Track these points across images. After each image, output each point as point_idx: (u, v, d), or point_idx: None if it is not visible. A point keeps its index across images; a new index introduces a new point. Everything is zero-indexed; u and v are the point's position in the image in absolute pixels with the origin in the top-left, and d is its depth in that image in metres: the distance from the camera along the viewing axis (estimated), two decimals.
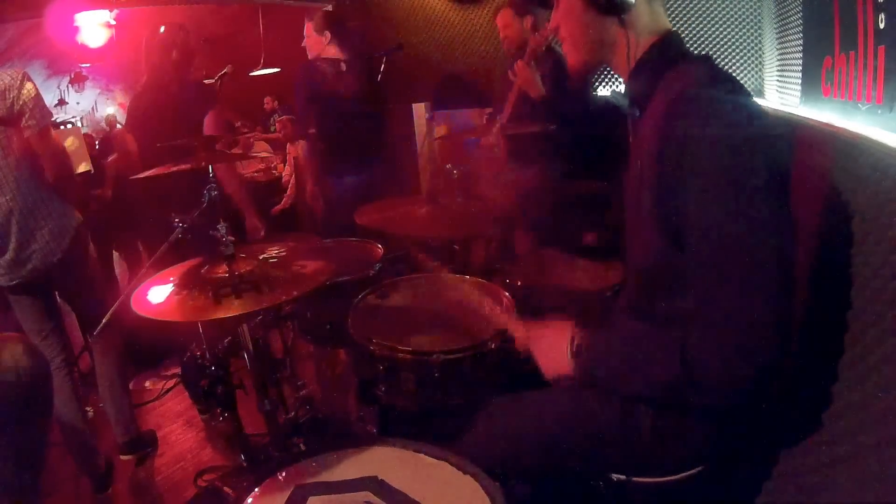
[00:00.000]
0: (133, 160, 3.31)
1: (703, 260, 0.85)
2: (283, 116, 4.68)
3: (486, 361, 1.38)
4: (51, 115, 1.91)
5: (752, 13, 2.27)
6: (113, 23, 4.47)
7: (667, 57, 0.99)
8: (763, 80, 2.25)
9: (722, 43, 2.35)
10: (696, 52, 1.11)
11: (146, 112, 2.43)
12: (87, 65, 5.96)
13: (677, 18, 2.39)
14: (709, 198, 0.83)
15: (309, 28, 2.79)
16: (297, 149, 4.08)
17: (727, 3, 2.31)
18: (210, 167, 1.55)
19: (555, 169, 2.39)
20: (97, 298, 2.07)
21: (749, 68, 2.31)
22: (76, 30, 4.35)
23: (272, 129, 5.89)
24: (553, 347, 1.07)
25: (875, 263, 0.89)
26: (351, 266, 1.90)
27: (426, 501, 0.91)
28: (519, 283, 1.74)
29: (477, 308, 1.39)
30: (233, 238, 1.41)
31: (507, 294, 1.60)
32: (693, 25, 2.39)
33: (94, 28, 4.41)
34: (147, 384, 2.88)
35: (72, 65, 5.84)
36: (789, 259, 0.83)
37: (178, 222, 1.64)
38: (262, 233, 2.54)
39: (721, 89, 0.88)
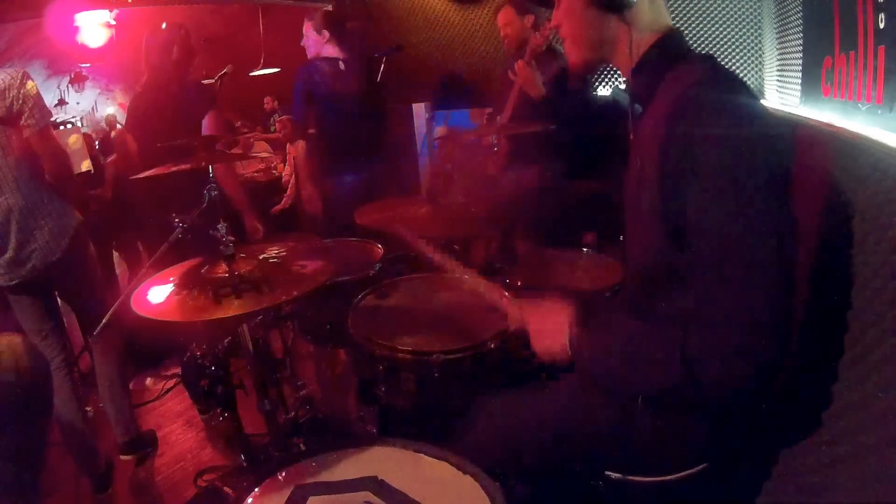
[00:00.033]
0: (133, 160, 3.31)
1: (704, 259, 0.85)
2: (283, 116, 4.67)
3: (486, 361, 1.38)
4: (50, 114, 1.91)
5: (752, 13, 2.27)
6: (113, 23, 4.47)
7: (670, 54, 0.99)
8: (763, 80, 2.25)
9: (722, 43, 2.35)
10: (696, 51, 1.11)
11: (146, 112, 2.43)
12: (87, 65, 5.96)
13: (678, 18, 2.39)
14: (710, 197, 0.83)
15: (308, 27, 2.79)
16: (297, 149, 4.07)
17: (727, 3, 2.32)
18: (210, 167, 1.55)
19: (555, 169, 2.39)
20: (97, 298, 2.07)
21: (749, 68, 2.31)
22: (76, 30, 4.35)
23: (272, 129, 5.88)
24: (549, 330, 1.06)
25: (875, 263, 0.89)
26: (351, 266, 1.90)
27: (426, 501, 0.91)
28: (519, 284, 1.74)
29: (477, 308, 1.39)
30: (233, 238, 1.41)
31: (506, 294, 1.60)
32: (693, 25, 2.39)
33: (94, 28, 4.41)
34: (147, 384, 2.88)
35: (72, 65, 5.84)
36: (790, 259, 0.83)
37: (178, 222, 1.64)
38: (261, 234, 2.54)
39: (724, 89, 0.88)
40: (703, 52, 1.26)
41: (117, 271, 3.79)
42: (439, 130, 3.40)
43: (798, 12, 1.57)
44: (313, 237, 2.80)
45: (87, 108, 6.60)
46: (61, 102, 6.08)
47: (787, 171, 0.86)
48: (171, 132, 2.05)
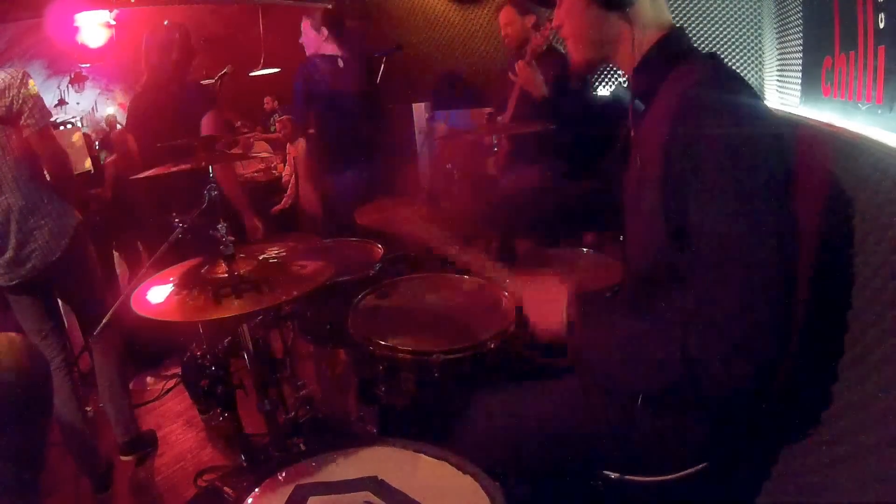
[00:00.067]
0: (133, 160, 3.31)
1: (705, 259, 0.84)
2: (283, 116, 4.68)
3: (486, 361, 1.38)
4: (50, 114, 1.91)
5: (752, 13, 2.27)
6: (113, 23, 4.46)
7: (672, 53, 0.99)
8: (763, 80, 2.25)
9: (722, 43, 2.35)
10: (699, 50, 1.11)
11: (146, 112, 2.43)
12: (87, 65, 5.95)
13: (678, 18, 2.40)
14: (711, 197, 0.83)
15: (306, 25, 2.79)
16: (297, 149, 4.08)
17: (727, 2, 2.32)
18: (210, 167, 1.55)
19: (555, 169, 2.39)
20: (97, 298, 2.07)
21: (749, 68, 2.31)
22: (76, 30, 4.35)
23: (272, 129, 5.89)
24: (545, 305, 1.05)
25: (875, 263, 0.89)
26: (351, 266, 1.90)
27: (426, 501, 0.91)
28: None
29: (477, 308, 1.38)
30: (233, 238, 1.41)
31: (506, 294, 1.60)
32: (693, 25, 2.39)
33: (94, 28, 4.41)
34: (147, 384, 2.88)
35: (72, 65, 5.83)
36: (790, 259, 0.83)
37: (178, 222, 1.64)
38: (262, 233, 2.54)
39: (726, 89, 0.88)
40: (706, 51, 1.26)
41: (117, 271, 3.79)
42: (439, 130, 3.40)
43: (798, 12, 1.57)
44: (313, 237, 2.80)
45: (87, 108, 6.60)
46: (61, 102, 6.07)
47: (788, 172, 0.86)
48: (170, 132, 2.05)
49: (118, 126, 5.72)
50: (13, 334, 1.18)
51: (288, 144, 4.52)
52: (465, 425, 1.19)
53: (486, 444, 1.13)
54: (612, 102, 2.76)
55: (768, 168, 0.83)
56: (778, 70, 1.97)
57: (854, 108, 1.13)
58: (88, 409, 2.34)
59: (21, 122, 1.80)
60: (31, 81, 1.83)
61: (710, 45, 2.36)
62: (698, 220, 0.85)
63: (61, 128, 4.64)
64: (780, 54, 1.94)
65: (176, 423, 2.53)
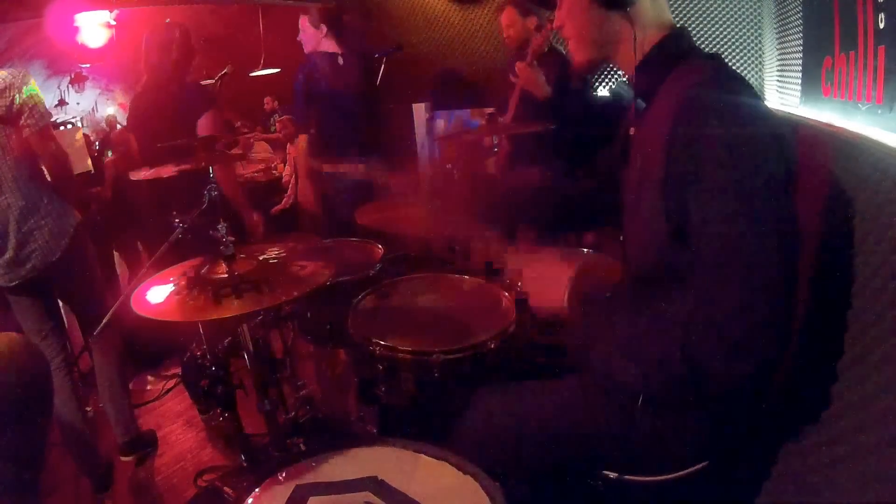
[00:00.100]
0: (134, 160, 3.31)
1: (705, 258, 0.84)
2: (284, 116, 4.68)
3: (486, 361, 1.38)
4: (50, 115, 1.91)
5: (752, 13, 2.27)
6: (113, 23, 4.46)
7: (674, 53, 0.99)
8: (763, 80, 2.25)
9: (722, 43, 2.35)
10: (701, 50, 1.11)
11: (146, 112, 2.43)
12: (87, 65, 5.95)
13: (678, 18, 2.39)
14: (712, 197, 0.83)
15: (304, 22, 2.78)
16: (297, 149, 4.08)
17: (727, 2, 2.32)
18: (210, 168, 1.55)
19: (555, 169, 2.39)
20: (97, 298, 2.07)
21: (749, 68, 2.31)
22: (76, 30, 4.35)
23: (272, 129, 5.89)
24: (546, 281, 1.05)
25: (875, 263, 0.88)
26: (351, 266, 1.90)
27: (426, 501, 0.91)
28: (519, 284, 1.74)
29: (477, 308, 1.38)
30: (233, 238, 1.41)
31: (506, 294, 1.60)
32: (693, 25, 2.39)
33: (94, 28, 4.41)
34: (147, 383, 2.88)
35: (72, 65, 5.83)
36: (790, 259, 0.83)
37: (178, 222, 1.64)
38: (262, 227, 2.53)
39: (728, 89, 0.88)
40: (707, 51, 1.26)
41: (117, 271, 3.79)
42: (440, 130, 3.40)
43: (798, 12, 1.57)
44: (313, 237, 2.80)
45: (87, 108, 6.59)
46: (61, 102, 6.07)
47: (789, 172, 0.86)
48: (170, 132, 2.05)
49: (118, 126, 5.72)
50: (13, 334, 1.18)
51: (288, 144, 4.52)
52: (465, 425, 1.19)
53: (486, 444, 1.13)
54: (612, 101, 2.76)
55: (769, 168, 0.83)
56: (778, 70, 1.97)
57: (854, 108, 1.13)
58: (88, 409, 2.34)
59: (21, 122, 1.80)
60: (31, 81, 1.83)
61: (710, 45, 2.36)
62: (699, 219, 0.85)
63: (61, 128, 4.63)
64: (780, 54, 1.94)
65: (176, 423, 2.53)
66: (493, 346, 1.38)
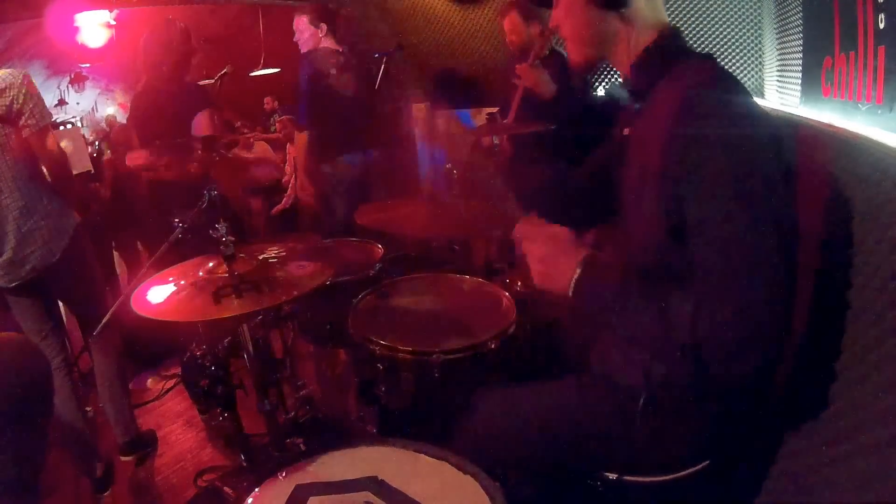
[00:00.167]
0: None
1: (704, 258, 0.85)
2: (283, 116, 4.69)
3: (486, 361, 1.38)
4: (50, 115, 1.91)
5: (752, 13, 2.27)
6: (113, 23, 4.46)
7: (668, 52, 0.99)
8: (763, 80, 2.25)
9: (722, 43, 2.35)
10: (696, 50, 1.11)
11: (146, 112, 2.43)
12: (87, 65, 5.95)
13: (677, 18, 2.39)
14: (711, 197, 0.83)
15: (301, 22, 2.79)
16: (298, 148, 4.08)
17: (727, 2, 2.31)
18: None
19: (555, 169, 2.38)
20: (97, 298, 2.06)
21: (749, 68, 2.31)
22: (76, 30, 4.35)
23: (272, 129, 5.89)
24: (555, 266, 1.00)
25: (875, 263, 0.88)
26: (351, 266, 1.90)
27: (426, 501, 0.91)
28: (519, 284, 1.74)
29: (477, 308, 1.38)
30: (233, 238, 1.41)
31: (506, 294, 1.60)
32: (693, 25, 2.39)
33: (94, 28, 4.41)
34: (147, 384, 2.88)
35: (72, 65, 5.83)
36: (791, 259, 0.83)
37: (178, 222, 1.64)
38: (263, 218, 2.51)
39: (726, 89, 0.88)
40: (703, 51, 1.26)
41: (117, 271, 3.79)
42: (439, 130, 3.40)
43: (798, 12, 1.57)
44: (313, 237, 2.80)
45: (87, 108, 6.59)
46: (61, 102, 6.07)
47: (788, 172, 0.86)
48: (170, 132, 2.05)
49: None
50: (13, 334, 1.18)
51: (288, 144, 4.53)
52: (465, 425, 1.19)
53: (486, 444, 1.13)
54: (610, 101, 2.76)
55: (768, 168, 0.83)
56: (778, 70, 1.97)
57: (854, 109, 1.13)
58: (88, 409, 2.34)
59: (21, 122, 1.80)
60: (31, 81, 1.83)
61: (710, 45, 2.36)
62: (698, 219, 0.85)
63: (61, 128, 4.63)
64: (780, 54, 1.94)
65: (176, 423, 2.53)
66: (493, 346, 1.38)
